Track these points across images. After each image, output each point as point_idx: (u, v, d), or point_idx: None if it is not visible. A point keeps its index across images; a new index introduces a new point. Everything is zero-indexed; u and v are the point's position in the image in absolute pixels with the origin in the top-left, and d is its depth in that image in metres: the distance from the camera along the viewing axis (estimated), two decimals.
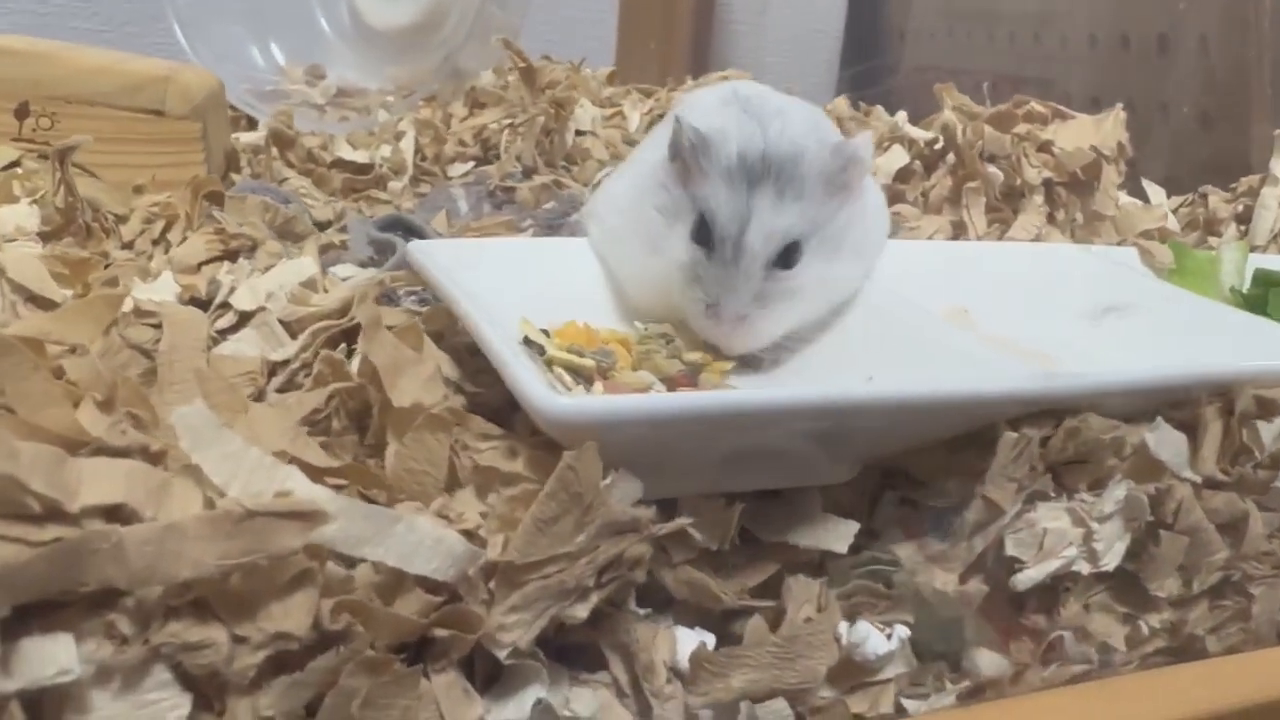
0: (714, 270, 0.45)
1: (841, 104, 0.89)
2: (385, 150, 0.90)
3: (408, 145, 0.91)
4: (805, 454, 0.38)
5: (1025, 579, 0.38)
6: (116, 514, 0.27)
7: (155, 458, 0.30)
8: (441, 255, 0.42)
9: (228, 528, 0.26)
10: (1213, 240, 0.72)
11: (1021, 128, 0.75)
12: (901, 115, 0.80)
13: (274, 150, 0.82)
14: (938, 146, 0.76)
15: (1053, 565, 0.39)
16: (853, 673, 0.37)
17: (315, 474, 0.32)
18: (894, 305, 0.46)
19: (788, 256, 0.46)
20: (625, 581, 0.32)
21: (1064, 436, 0.38)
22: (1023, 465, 0.38)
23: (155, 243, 0.58)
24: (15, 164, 0.59)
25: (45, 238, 0.54)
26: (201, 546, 0.26)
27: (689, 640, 0.35)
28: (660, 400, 0.32)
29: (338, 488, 0.33)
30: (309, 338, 0.43)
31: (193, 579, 0.26)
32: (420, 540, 0.29)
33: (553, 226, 0.75)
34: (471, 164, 0.89)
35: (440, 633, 0.30)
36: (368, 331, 0.35)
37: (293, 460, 0.32)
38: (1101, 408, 0.39)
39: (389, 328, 0.43)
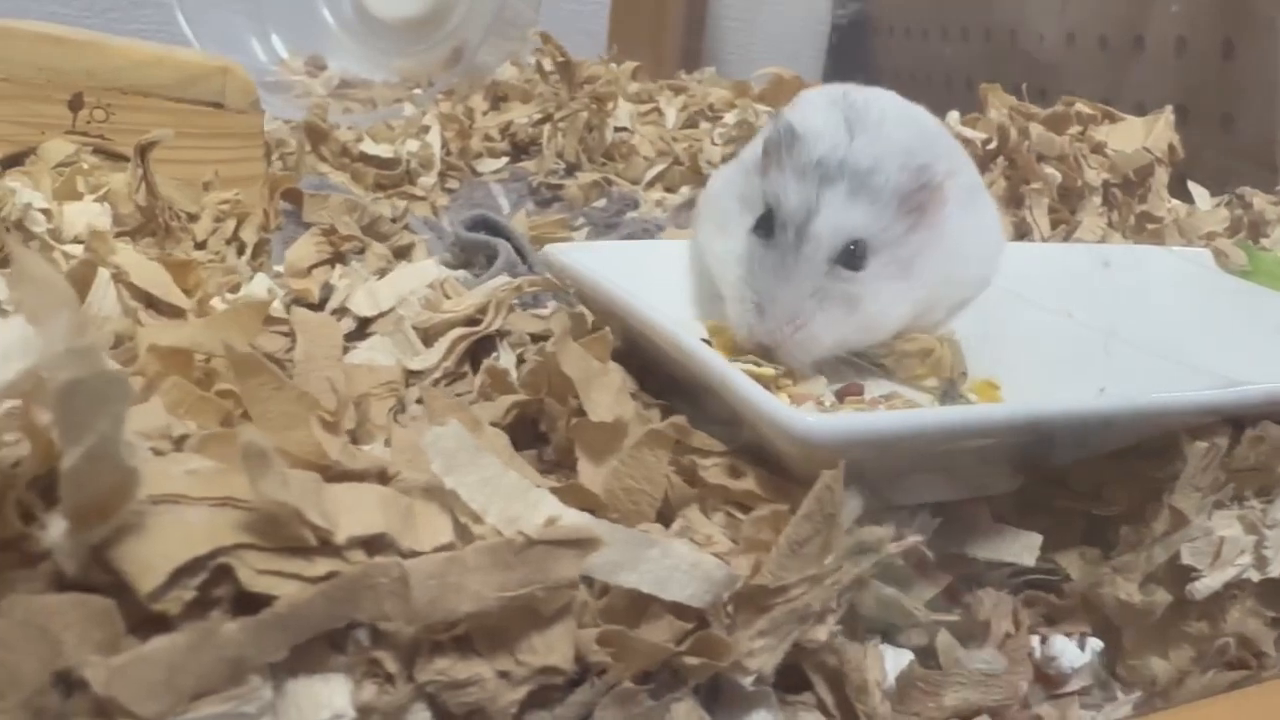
0: (771, 259, 0.43)
1: None
2: (412, 145, 0.88)
3: (434, 140, 0.88)
4: (984, 466, 0.38)
5: (1203, 588, 0.38)
6: (375, 544, 0.25)
7: (386, 479, 0.28)
8: (586, 262, 0.41)
9: (508, 558, 0.25)
10: (1265, 242, 0.73)
11: (1074, 129, 0.75)
12: (954, 115, 0.80)
13: (307, 144, 0.79)
14: (990, 147, 0.76)
15: (1229, 573, 0.38)
16: (1044, 685, 0.37)
17: None
18: (1031, 310, 0.46)
19: (855, 257, 0.43)
20: (854, 600, 0.31)
21: (1248, 446, 0.38)
22: (1210, 475, 0.37)
23: (229, 241, 0.55)
24: (73, 160, 0.56)
25: (122, 238, 0.51)
26: (482, 578, 0.25)
27: (891, 658, 0.35)
28: (922, 416, 0.31)
29: None
30: (449, 345, 0.41)
31: (471, 613, 0.25)
32: (675, 565, 0.28)
33: (609, 225, 0.74)
34: (504, 160, 0.87)
35: (689, 660, 0.28)
36: (560, 345, 0.34)
37: None
38: (1273, 416, 0.39)
39: (532, 336, 0.42)
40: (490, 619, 0.26)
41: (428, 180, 0.84)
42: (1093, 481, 0.40)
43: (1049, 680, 0.37)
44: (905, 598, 0.36)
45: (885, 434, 0.30)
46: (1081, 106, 0.78)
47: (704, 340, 0.40)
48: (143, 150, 0.50)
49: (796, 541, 0.29)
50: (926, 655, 0.36)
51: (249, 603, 0.23)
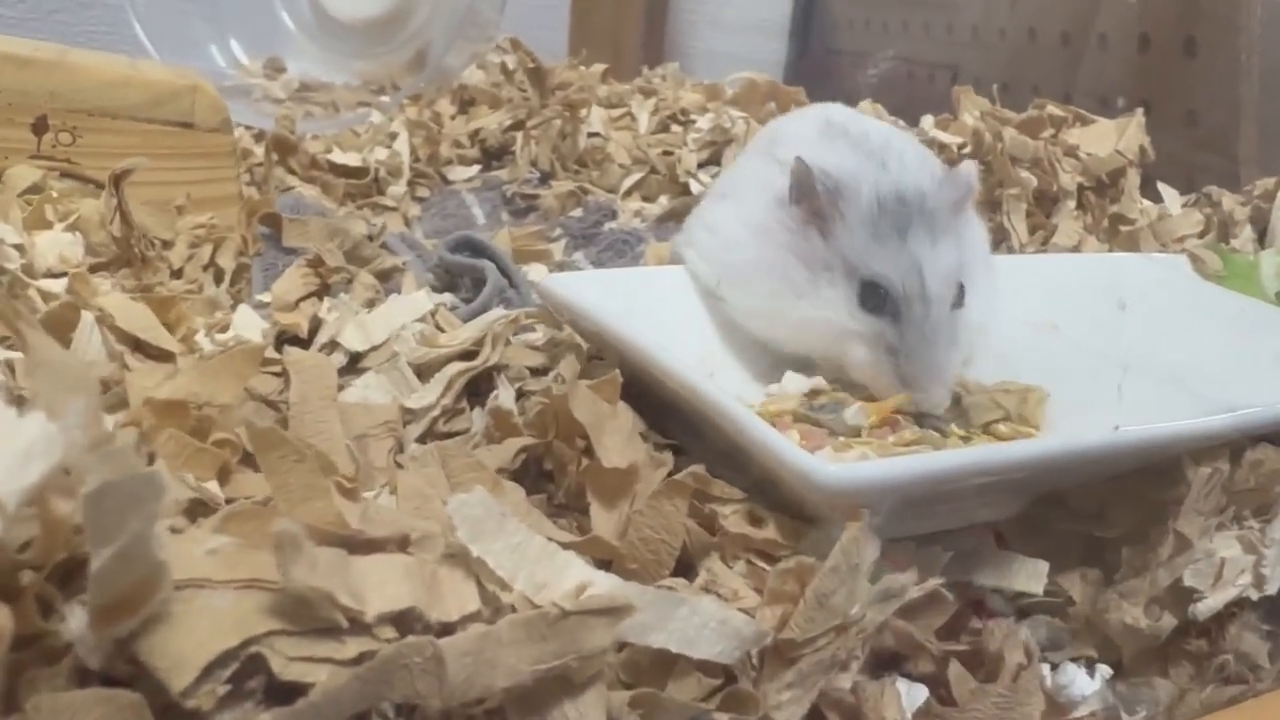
0: (910, 335, 0.43)
1: (866, 107, 0.89)
2: (380, 153, 0.86)
3: (402, 147, 0.87)
4: (989, 494, 0.38)
5: (1205, 609, 0.39)
6: (404, 619, 0.25)
7: (405, 544, 0.27)
8: (592, 293, 0.40)
9: (543, 630, 0.24)
10: (1234, 243, 0.74)
11: (1047, 132, 0.76)
12: (928, 120, 0.80)
13: (274, 156, 0.77)
14: (965, 151, 0.76)
15: (1230, 594, 0.39)
16: (1055, 713, 0.37)
17: None
18: (1025, 330, 0.46)
19: (960, 296, 0.45)
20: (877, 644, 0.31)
21: (1248, 469, 0.38)
22: (1212, 499, 0.38)
23: (205, 268, 0.54)
24: (40, 186, 0.54)
25: (96, 270, 0.49)
26: (516, 652, 0.24)
27: (906, 693, 0.35)
28: (943, 459, 0.31)
29: None
30: (447, 382, 0.41)
31: (508, 688, 0.24)
32: (704, 623, 0.27)
33: (586, 236, 0.73)
34: (476, 168, 0.86)
35: (718, 716, 0.28)
36: (570, 387, 0.33)
37: None
38: (1271, 437, 0.39)
39: (530, 370, 0.41)
40: (524, 690, 0.25)
41: (397, 190, 0.83)
42: (1094, 504, 0.41)
43: (1059, 708, 0.37)
44: (915, 629, 0.36)
45: (908, 479, 0.30)
46: (1053, 109, 0.79)
47: None
48: (117, 179, 0.48)
49: (823, 594, 0.28)
50: (935, 684, 0.37)
51: (280, 689, 0.23)
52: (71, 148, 0.57)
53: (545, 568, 0.26)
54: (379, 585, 0.25)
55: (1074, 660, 0.38)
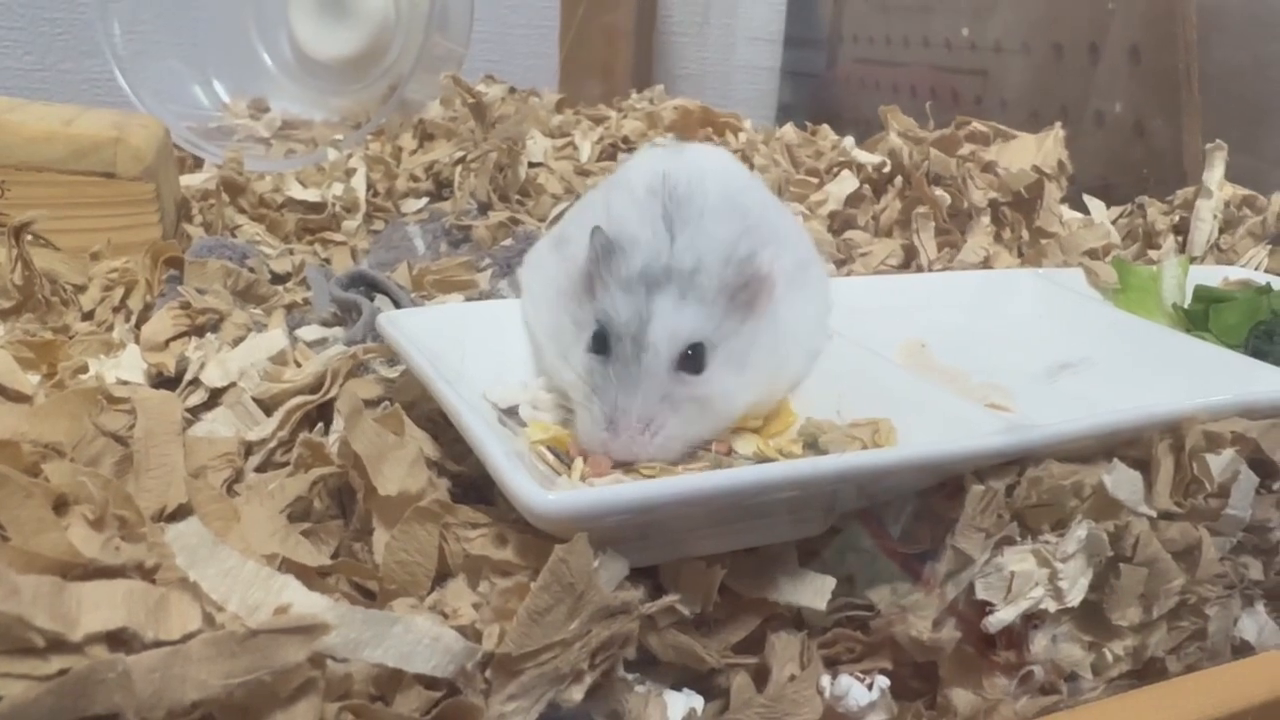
0: (613, 372, 0.41)
1: (790, 131, 0.91)
2: (337, 188, 0.90)
3: (359, 182, 0.90)
4: (782, 514, 0.39)
5: (996, 621, 0.40)
6: (118, 638, 0.27)
7: (149, 572, 0.30)
8: (412, 328, 0.43)
9: (232, 648, 0.27)
10: (1152, 253, 0.74)
11: (965, 149, 0.77)
12: (849, 140, 0.82)
13: (225, 197, 0.81)
14: (885, 170, 0.78)
15: (1022, 606, 0.40)
16: None
17: (308, 574, 0.33)
18: (858, 356, 0.47)
19: (695, 360, 0.42)
20: (617, 658, 0.33)
21: (1028, 486, 0.39)
22: (990, 516, 0.39)
23: (116, 310, 0.58)
24: None
25: (4, 315, 0.54)
26: (206, 668, 0.27)
27: (678, 704, 0.36)
28: (648, 487, 0.33)
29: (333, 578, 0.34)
30: (284, 415, 0.43)
31: (198, 700, 0.27)
32: (418, 640, 0.30)
33: (511, 265, 0.76)
34: (425, 200, 0.89)
35: None
36: (350, 421, 0.36)
37: (285, 562, 0.33)
38: (1062, 454, 0.40)
39: (366, 402, 0.44)
40: (228, 701, 0.28)
41: (352, 224, 0.86)
42: (900, 519, 0.42)
43: (840, 718, 0.38)
44: (698, 644, 0.38)
45: (622, 507, 0.32)
46: (977, 125, 0.80)
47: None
48: (16, 231, 0.52)
49: (536, 611, 0.31)
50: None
51: None
52: (0, 201, 0.61)
53: (260, 590, 0.29)
54: (94, 608, 0.27)
55: (863, 674, 0.39)
